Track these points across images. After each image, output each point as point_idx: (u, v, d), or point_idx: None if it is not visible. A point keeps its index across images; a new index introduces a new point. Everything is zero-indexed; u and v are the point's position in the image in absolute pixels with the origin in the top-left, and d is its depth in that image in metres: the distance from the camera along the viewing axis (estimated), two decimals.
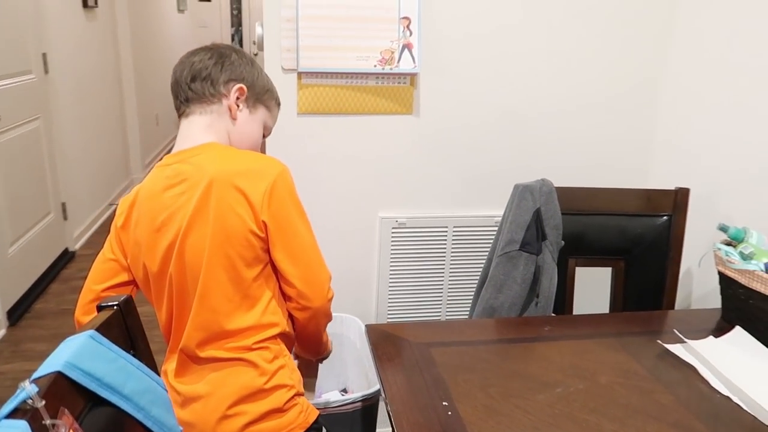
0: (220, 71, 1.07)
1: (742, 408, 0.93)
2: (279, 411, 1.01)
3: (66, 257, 3.14)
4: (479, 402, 0.93)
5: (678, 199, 1.42)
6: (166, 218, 1.00)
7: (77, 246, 3.31)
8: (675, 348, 1.08)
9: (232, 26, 7.35)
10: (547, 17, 1.60)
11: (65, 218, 3.17)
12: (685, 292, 1.55)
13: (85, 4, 3.42)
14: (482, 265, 1.67)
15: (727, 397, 0.95)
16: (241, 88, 1.08)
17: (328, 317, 1.12)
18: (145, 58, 4.71)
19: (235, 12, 7.35)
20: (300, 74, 1.52)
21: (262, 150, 1.20)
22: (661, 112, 1.70)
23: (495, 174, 1.69)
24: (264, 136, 1.16)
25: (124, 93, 4.32)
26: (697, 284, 1.53)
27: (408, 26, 1.50)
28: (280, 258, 1.01)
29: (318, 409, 1.28)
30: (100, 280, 1.08)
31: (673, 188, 1.43)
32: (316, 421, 1.06)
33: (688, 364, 1.04)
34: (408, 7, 1.50)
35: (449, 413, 0.90)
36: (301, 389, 1.07)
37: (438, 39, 1.57)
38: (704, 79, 1.54)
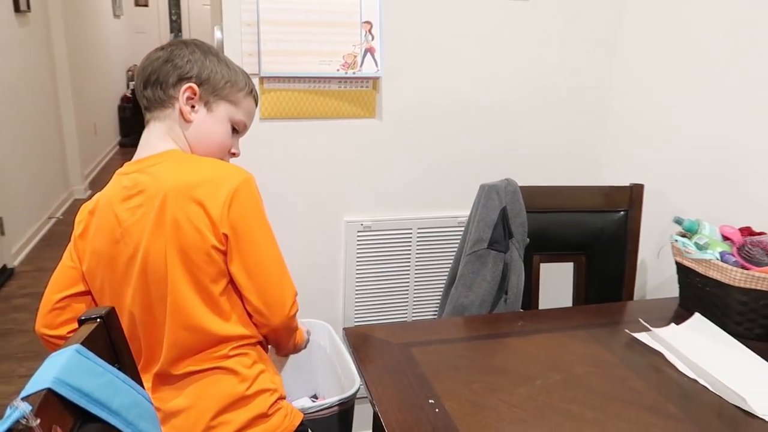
0: (169, 72, 1.00)
1: (708, 389, 0.98)
2: (264, 416, 0.99)
3: (5, 274, 2.96)
4: (464, 398, 0.95)
5: (633, 195, 1.49)
6: (125, 231, 0.96)
7: (16, 262, 3.13)
8: (641, 336, 1.14)
9: (171, 32, 7.16)
10: (506, 20, 1.65)
11: (2, 233, 2.99)
12: (641, 283, 1.63)
13: (17, 9, 3.25)
14: (447, 266, 1.71)
15: (694, 380, 1.01)
16: (189, 88, 1.00)
17: (291, 331, 1.07)
18: (81, 65, 4.52)
19: (174, 17, 7.17)
20: (262, 79, 1.51)
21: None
22: (614, 110, 1.78)
23: (457, 175, 1.73)
24: (238, 133, 1.09)
25: (60, 101, 4.14)
26: (651, 275, 1.62)
27: (370, 30, 1.52)
28: (237, 272, 0.96)
29: None
30: (57, 289, 1.03)
31: (628, 184, 1.50)
32: (301, 424, 1.04)
33: (655, 350, 1.09)
34: (369, 12, 1.51)
35: (437, 410, 0.91)
36: (284, 392, 1.06)
37: (400, 43, 1.59)
38: (654, 79, 1.62)
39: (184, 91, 1.00)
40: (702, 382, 1.00)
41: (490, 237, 1.39)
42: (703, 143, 1.46)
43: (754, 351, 1.08)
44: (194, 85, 1.01)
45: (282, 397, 1.04)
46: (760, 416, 0.91)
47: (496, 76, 1.69)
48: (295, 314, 1.02)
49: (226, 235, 0.93)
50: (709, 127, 1.44)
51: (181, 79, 1.00)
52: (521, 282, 1.38)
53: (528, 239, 1.43)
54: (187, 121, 1.01)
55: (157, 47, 1.04)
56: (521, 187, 1.45)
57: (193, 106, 1.02)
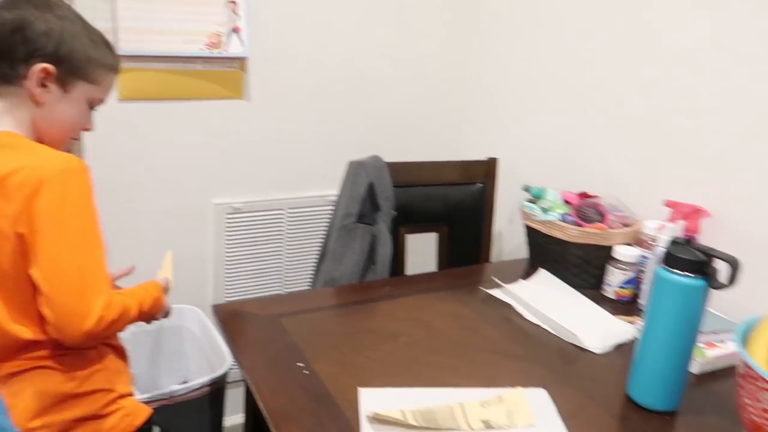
0: (17, 45, 0.86)
1: (550, 332, 1.10)
2: (95, 417, 0.94)
3: None
4: (333, 359, 0.98)
5: (489, 168, 1.61)
6: None
7: None
8: (494, 292, 1.24)
9: None
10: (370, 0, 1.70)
11: None
12: (498, 248, 1.77)
13: None
14: (319, 244, 1.73)
15: (538, 326, 1.12)
16: (44, 69, 0.87)
17: (106, 334, 0.90)
18: None
19: None
20: (120, 57, 1.44)
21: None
22: (472, 90, 1.90)
23: (326, 154, 1.76)
24: (93, 109, 0.99)
25: None
26: (507, 241, 1.76)
27: (235, 10, 1.50)
28: (34, 276, 0.85)
29: (163, 400, 1.24)
30: None
31: (484, 158, 1.62)
32: (147, 422, 1.00)
33: (506, 303, 1.20)
34: None
35: (306, 372, 0.94)
36: (126, 391, 0.99)
37: (267, 23, 1.58)
38: (508, 61, 1.76)
39: (37, 73, 0.87)
40: (544, 326, 1.12)
41: (358, 211, 1.43)
42: (550, 121, 1.62)
43: (589, 297, 1.23)
44: (50, 66, 0.88)
45: (122, 396, 0.98)
46: (589, 349, 1.04)
47: (362, 57, 1.74)
48: (97, 333, 0.86)
49: (23, 234, 0.83)
50: (555, 107, 1.60)
51: (34, 56, 0.87)
52: (388, 253, 1.44)
53: (395, 212, 1.49)
54: (38, 104, 0.90)
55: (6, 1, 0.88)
56: (387, 163, 1.50)
57: (44, 85, 0.89)
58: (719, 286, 0.83)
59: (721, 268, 0.83)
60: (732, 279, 0.82)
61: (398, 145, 1.84)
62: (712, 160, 1.21)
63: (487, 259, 1.62)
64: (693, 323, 0.85)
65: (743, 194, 1.16)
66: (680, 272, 0.84)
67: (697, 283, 0.83)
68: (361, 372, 0.95)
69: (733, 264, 0.82)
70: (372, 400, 0.86)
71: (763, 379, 0.71)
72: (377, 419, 0.82)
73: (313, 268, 1.57)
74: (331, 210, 1.53)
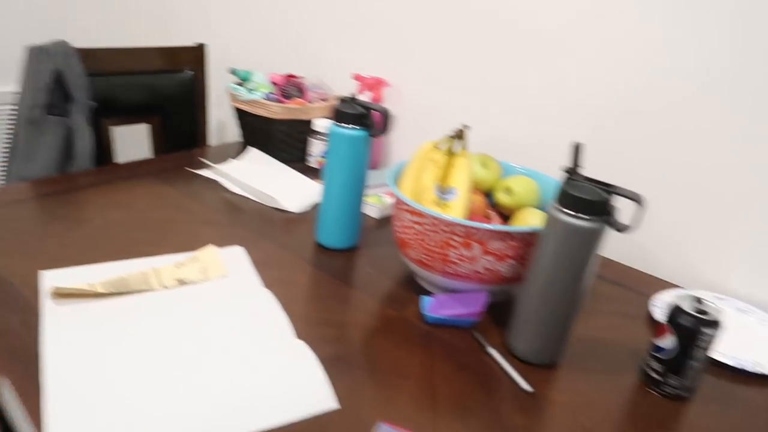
0: None
1: (254, 201, 1.16)
2: None
3: None
4: (15, 250, 0.91)
5: (197, 55, 1.56)
6: None
7: None
8: (203, 172, 1.26)
9: None
10: None
11: None
12: (219, 135, 1.78)
13: None
14: (6, 145, 1.53)
15: (243, 197, 1.18)
16: None
17: None
18: None
19: None
20: None
21: None
22: None
23: (2, 43, 1.52)
24: None
25: None
26: (228, 128, 1.77)
27: None
28: None
29: None
30: None
31: (192, 44, 1.56)
32: None
33: (214, 181, 1.23)
34: None
35: None
36: None
37: None
38: None
39: None
40: (249, 196, 1.18)
41: (45, 102, 1.29)
42: (259, 6, 1.61)
43: (296, 169, 1.32)
44: None
45: None
46: (288, 209, 1.13)
47: None
48: None
49: None
50: None
51: None
52: (88, 146, 1.34)
53: (93, 103, 1.38)
54: None
55: None
56: (78, 48, 1.36)
57: None
58: (377, 134, 0.96)
59: (380, 119, 0.96)
60: (385, 126, 0.96)
61: (95, 32, 1.67)
62: (392, 39, 1.35)
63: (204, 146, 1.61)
64: (361, 169, 0.98)
65: (413, 67, 1.33)
66: (346, 125, 0.95)
67: (360, 133, 0.95)
68: (47, 258, 0.90)
69: (385, 114, 0.95)
70: (57, 280, 0.83)
71: (403, 202, 0.86)
72: (60, 294, 0.79)
73: (3, 172, 1.39)
74: (16, 106, 1.36)
